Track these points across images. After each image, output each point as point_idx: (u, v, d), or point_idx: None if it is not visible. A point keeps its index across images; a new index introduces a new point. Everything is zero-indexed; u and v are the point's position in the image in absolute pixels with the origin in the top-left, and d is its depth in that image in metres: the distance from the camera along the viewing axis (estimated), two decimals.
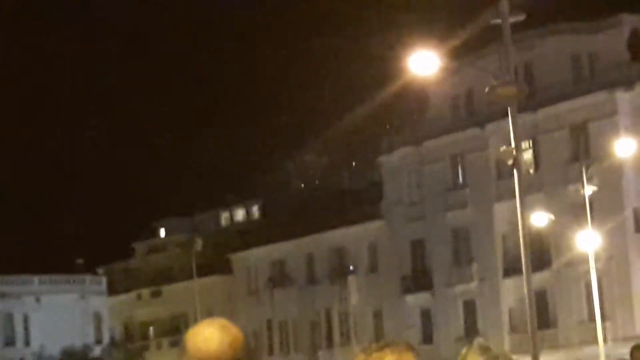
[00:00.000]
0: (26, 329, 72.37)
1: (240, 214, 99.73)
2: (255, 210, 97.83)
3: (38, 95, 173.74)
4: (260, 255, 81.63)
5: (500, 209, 62.13)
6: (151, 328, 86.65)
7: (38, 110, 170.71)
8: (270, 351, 77.48)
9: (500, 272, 64.92)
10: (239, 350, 3.09)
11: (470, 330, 63.92)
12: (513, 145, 21.19)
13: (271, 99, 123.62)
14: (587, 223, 41.60)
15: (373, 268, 74.83)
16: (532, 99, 54.34)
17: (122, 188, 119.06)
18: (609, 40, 62.25)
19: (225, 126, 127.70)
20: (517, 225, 22.60)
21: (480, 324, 66.23)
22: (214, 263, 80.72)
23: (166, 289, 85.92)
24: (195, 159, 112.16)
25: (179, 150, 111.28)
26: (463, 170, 69.57)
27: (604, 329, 46.10)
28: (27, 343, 69.89)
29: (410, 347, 3.53)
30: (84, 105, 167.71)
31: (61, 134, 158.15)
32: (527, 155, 59.86)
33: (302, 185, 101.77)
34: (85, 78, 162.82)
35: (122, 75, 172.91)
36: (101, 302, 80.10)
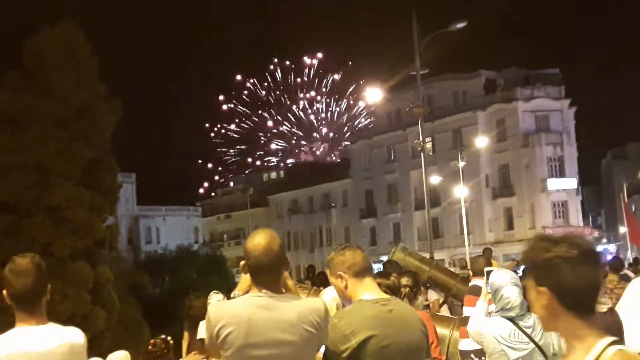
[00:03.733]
0: (158, 235, 72.11)
1: (273, 174, 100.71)
2: (282, 172, 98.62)
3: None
4: (284, 197, 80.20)
5: (414, 174, 60.51)
6: (225, 235, 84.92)
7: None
8: (288, 249, 69.15)
9: (413, 208, 63.67)
10: (279, 245, 3.08)
11: (396, 239, 61.83)
12: (421, 139, 21.31)
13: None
14: (460, 182, 41.01)
15: (345, 204, 73.62)
16: (431, 115, 51.46)
17: (217, 160, 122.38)
18: (473, 83, 62.11)
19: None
20: (423, 182, 22.28)
21: (402, 236, 64.42)
22: (259, 201, 79.28)
23: (233, 214, 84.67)
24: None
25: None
26: (394, 152, 67.96)
27: (468, 239, 45.06)
28: (158, 242, 68.11)
29: (359, 247, 3.40)
30: None
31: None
32: (428, 145, 55.73)
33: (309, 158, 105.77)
34: None
35: None
36: (198, 221, 78.76)
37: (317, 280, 11.25)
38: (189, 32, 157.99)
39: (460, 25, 21.93)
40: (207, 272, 52.93)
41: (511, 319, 4.30)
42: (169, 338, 7.77)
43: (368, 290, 3.34)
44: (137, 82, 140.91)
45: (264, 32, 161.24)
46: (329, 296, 4.73)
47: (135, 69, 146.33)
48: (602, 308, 4.91)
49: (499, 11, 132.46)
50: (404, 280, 5.34)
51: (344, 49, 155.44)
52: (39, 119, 23.51)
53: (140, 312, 30.17)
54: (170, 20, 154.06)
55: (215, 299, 7.75)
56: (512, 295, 4.31)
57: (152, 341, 7.84)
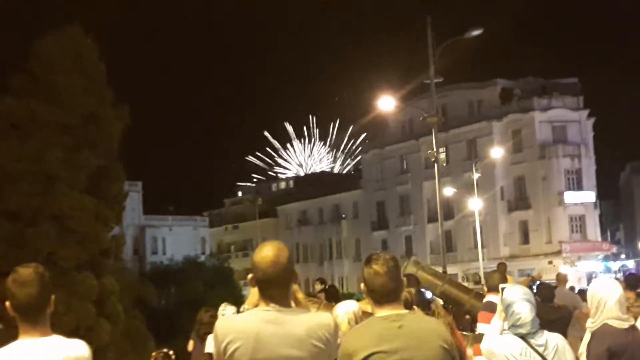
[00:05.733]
0: (164, 245, 71.72)
1: (282, 184, 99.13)
2: (291, 182, 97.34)
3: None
4: (293, 207, 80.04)
5: (427, 185, 59.92)
6: (232, 246, 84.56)
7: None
8: (297, 261, 68.64)
9: (426, 220, 62.81)
10: (287, 257, 3.05)
11: (408, 252, 61.46)
12: (435, 150, 21.19)
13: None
14: (474, 194, 40.66)
15: (355, 216, 73.18)
16: (445, 125, 51.64)
17: (223, 170, 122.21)
18: (489, 92, 61.77)
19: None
20: (436, 194, 22.23)
21: (414, 249, 64.14)
22: (268, 211, 78.86)
23: (241, 225, 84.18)
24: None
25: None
26: (406, 163, 67.55)
27: (482, 253, 44.57)
28: (164, 253, 67.84)
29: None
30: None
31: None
32: (442, 156, 55.40)
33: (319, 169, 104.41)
34: None
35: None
36: (205, 232, 77.82)
37: (329, 293, 11.26)
38: (200, 37, 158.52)
39: (475, 32, 21.90)
40: (214, 284, 52.81)
41: (522, 337, 4.24)
42: (171, 352, 7.77)
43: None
44: (145, 87, 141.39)
45: (272, 42, 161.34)
46: (341, 310, 4.81)
47: (144, 74, 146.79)
48: (624, 325, 4.67)
49: (516, 18, 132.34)
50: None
51: (357, 56, 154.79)
52: (44, 125, 23.60)
53: (145, 324, 30.10)
54: (182, 24, 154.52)
55: (229, 312, 7.77)
56: (524, 311, 4.26)
57: (153, 354, 7.86)
